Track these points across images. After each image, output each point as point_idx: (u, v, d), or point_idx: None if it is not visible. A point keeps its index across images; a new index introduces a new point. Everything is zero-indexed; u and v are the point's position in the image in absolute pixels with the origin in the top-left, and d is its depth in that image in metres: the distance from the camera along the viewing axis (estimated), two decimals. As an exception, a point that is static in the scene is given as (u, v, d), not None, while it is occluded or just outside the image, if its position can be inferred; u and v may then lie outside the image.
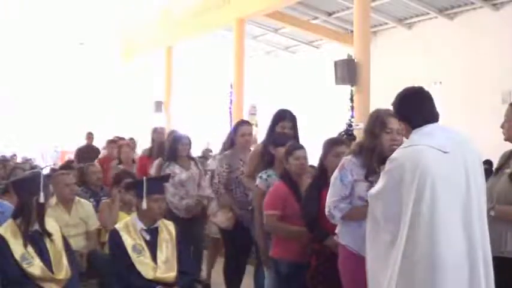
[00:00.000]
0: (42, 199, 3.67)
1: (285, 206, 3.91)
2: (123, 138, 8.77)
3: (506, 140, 3.40)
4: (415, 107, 2.77)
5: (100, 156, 8.82)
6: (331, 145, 3.75)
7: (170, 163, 5.64)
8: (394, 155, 2.73)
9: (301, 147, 4.08)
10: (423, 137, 2.67)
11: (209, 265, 6.01)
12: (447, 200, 2.55)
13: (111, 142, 8.37)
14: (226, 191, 4.85)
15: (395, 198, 2.62)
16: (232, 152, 4.94)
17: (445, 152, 2.60)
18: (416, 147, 2.64)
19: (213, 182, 5.10)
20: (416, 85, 2.91)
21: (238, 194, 4.83)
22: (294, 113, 4.63)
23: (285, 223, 3.91)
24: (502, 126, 3.37)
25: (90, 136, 11.16)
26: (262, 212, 4.08)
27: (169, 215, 5.39)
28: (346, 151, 3.52)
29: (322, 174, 3.72)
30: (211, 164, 5.47)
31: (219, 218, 4.86)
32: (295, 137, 4.51)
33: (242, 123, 5.24)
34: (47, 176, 4.17)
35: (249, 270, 5.00)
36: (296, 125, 4.59)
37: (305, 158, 4.04)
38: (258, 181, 4.28)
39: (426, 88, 2.85)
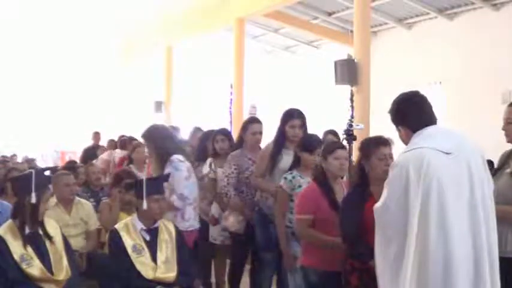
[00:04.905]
0: (33, 199, 3.60)
1: (317, 210, 3.60)
2: (134, 139, 8.64)
3: (509, 142, 3.40)
4: (415, 110, 2.76)
5: (117, 155, 8.57)
6: (375, 146, 3.27)
7: (200, 163, 5.28)
8: (396, 160, 2.69)
9: (343, 147, 3.78)
10: (424, 139, 2.66)
11: (219, 275, 5.37)
12: (454, 201, 2.54)
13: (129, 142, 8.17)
14: (236, 193, 4.72)
15: (401, 205, 2.57)
16: (240, 152, 4.80)
17: (447, 153, 2.59)
18: (419, 149, 2.63)
19: (221, 184, 4.84)
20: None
21: (249, 195, 4.72)
22: (303, 112, 4.53)
23: (316, 229, 3.60)
24: (504, 129, 3.36)
25: (96, 136, 11.00)
26: (285, 214, 3.98)
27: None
28: (391, 152, 3.24)
29: (363, 181, 3.30)
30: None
31: (230, 221, 4.71)
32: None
33: (253, 120, 5.00)
34: (48, 177, 4.14)
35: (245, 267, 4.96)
36: (305, 123, 4.47)
37: (346, 158, 3.71)
38: (282, 182, 4.07)
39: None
